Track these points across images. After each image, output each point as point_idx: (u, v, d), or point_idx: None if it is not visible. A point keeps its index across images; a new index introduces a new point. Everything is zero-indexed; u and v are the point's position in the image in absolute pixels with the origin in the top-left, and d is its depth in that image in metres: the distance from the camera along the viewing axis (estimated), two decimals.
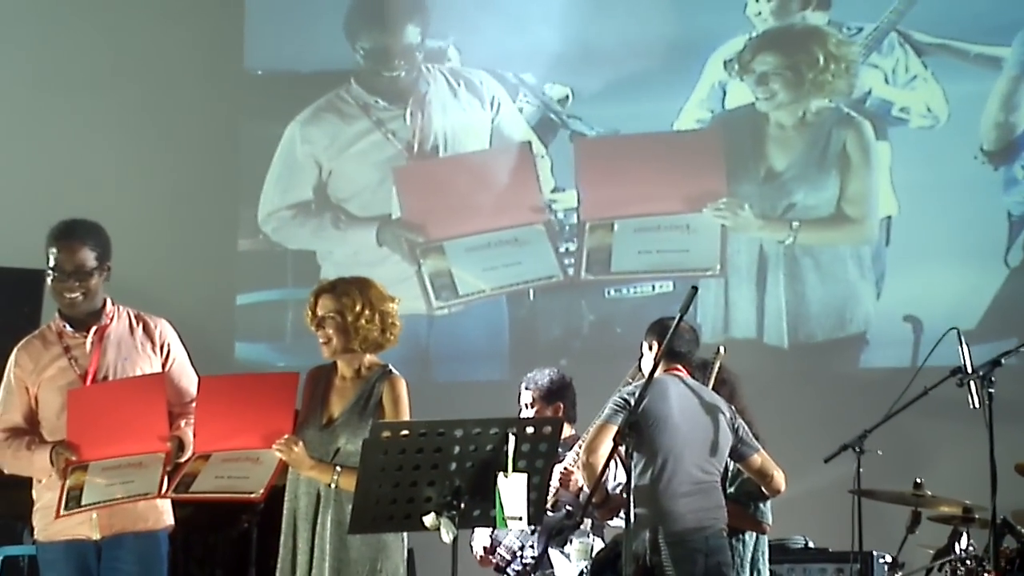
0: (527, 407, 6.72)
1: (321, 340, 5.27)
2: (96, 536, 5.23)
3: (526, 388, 6.76)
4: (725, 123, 9.10)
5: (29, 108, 9.43)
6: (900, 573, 6.50)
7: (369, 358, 5.29)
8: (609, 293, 9.14)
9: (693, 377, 6.13)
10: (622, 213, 9.10)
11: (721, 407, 6.01)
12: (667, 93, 9.12)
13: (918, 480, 6.39)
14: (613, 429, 5.69)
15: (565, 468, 6.46)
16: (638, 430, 5.63)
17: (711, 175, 9.03)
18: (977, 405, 6.01)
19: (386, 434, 4.56)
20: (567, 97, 9.32)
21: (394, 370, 5.29)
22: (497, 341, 9.28)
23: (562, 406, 6.71)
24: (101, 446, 5.12)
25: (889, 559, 6.60)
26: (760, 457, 6.03)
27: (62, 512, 5.12)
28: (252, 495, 5.18)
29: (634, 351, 6.25)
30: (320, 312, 5.25)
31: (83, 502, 5.11)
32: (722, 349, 6.48)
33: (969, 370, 6.09)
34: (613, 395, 5.95)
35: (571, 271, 9.17)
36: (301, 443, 5.11)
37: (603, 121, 9.21)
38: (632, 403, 5.67)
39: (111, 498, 5.13)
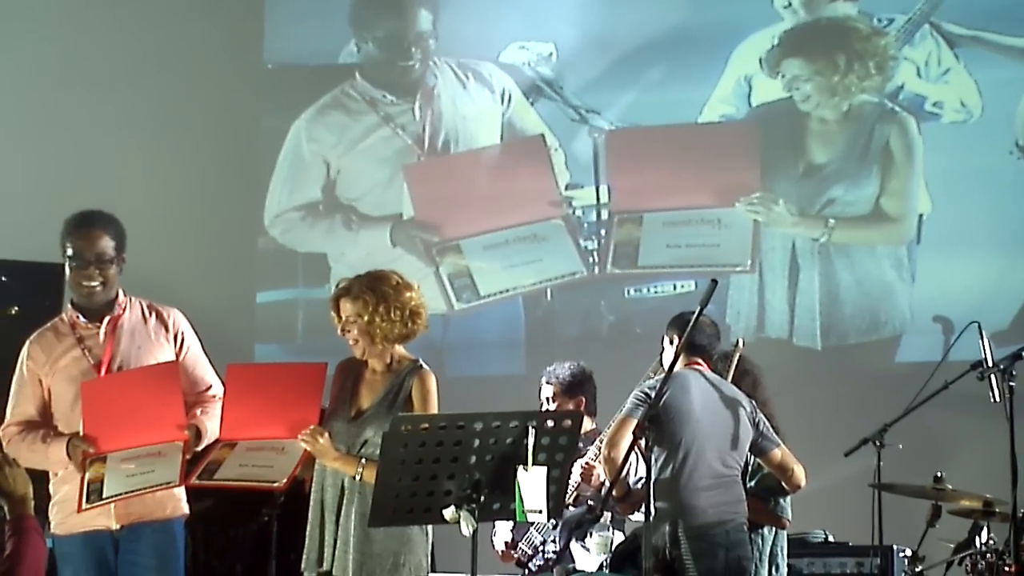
0: (548, 401, 6.71)
1: (351, 343, 5.30)
2: (114, 526, 5.22)
3: (547, 382, 6.75)
4: (763, 116, 8.95)
5: (46, 104, 9.44)
6: (920, 567, 6.48)
7: (400, 351, 5.32)
8: (629, 293, 9.01)
9: (714, 371, 6.12)
10: (651, 206, 8.96)
11: (742, 401, 6.01)
12: (690, 86, 9.01)
13: (939, 474, 6.38)
14: (634, 423, 5.69)
15: (587, 463, 6.45)
16: (658, 424, 5.63)
17: (745, 168, 8.88)
18: (998, 399, 5.99)
19: (406, 427, 4.56)
20: (551, 55, 9.16)
21: (424, 364, 5.31)
22: (513, 335, 9.17)
23: (583, 399, 6.71)
24: (118, 437, 5.11)
25: (909, 553, 6.58)
26: (780, 452, 6.03)
27: (84, 506, 5.11)
28: (275, 484, 5.20)
29: (654, 349, 6.25)
30: (344, 316, 5.29)
31: (104, 494, 5.11)
32: (741, 341, 6.47)
33: (990, 364, 6.08)
34: (634, 390, 5.95)
35: (596, 267, 9.03)
36: (327, 434, 5.12)
37: (624, 116, 9.11)
38: (653, 397, 5.67)
39: (132, 489, 5.13)
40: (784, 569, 6.37)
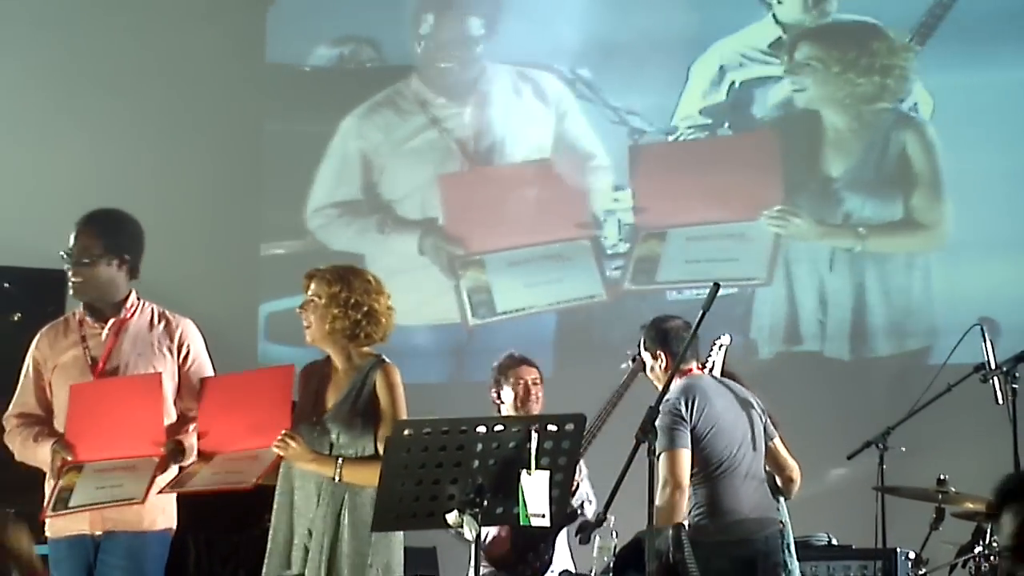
0: (535, 384, 6.71)
1: (304, 324, 5.21)
2: (89, 531, 5.21)
3: (531, 365, 6.76)
4: (778, 126, 8.87)
5: (50, 110, 9.44)
6: (924, 569, 6.48)
7: (363, 349, 5.22)
8: (671, 295, 8.80)
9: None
10: (675, 222, 8.86)
11: (751, 399, 6.00)
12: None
13: (942, 477, 6.38)
14: (688, 453, 5.66)
15: None
16: (696, 442, 5.63)
17: (766, 180, 8.79)
18: (1001, 401, 5.99)
19: (409, 432, 4.56)
20: (590, 56, 9.08)
21: (387, 359, 5.21)
22: (544, 338, 8.99)
23: None
24: (97, 446, 5.12)
25: (913, 556, 6.58)
26: (777, 444, 6.02)
27: (49, 513, 5.12)
28: (242, 485, 5.09)
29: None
30: (307, 295, 5.20)
31: (70, 504, 5.11)
32: (727, 339, 6.40)
33: (993, 366, 6.08)
34: (660, 415, 5.71)
35: (622, 282, 8.91)
36: (299, 438, 5.03)
37: (662, 117, 9.01)
38: (687, 418, 5.66)
39: (96, 502, 5.11)
40: (794, 568, 6.33)
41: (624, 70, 9.06)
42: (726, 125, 8.98)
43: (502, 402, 6.74)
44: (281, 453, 5.02)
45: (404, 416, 5.11)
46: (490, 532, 6.48)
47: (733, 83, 8.94)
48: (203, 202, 9.40)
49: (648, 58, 8.99)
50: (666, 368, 5.80)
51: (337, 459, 5.05)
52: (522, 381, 6.72)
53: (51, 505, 5.11)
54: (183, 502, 5.41)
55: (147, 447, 5.12)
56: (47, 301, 7.79)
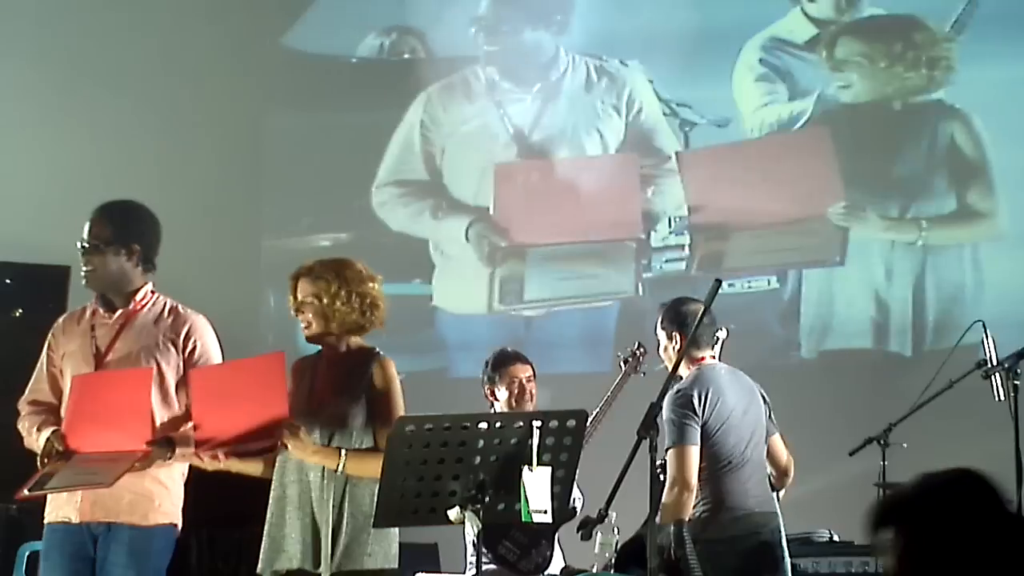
0: (529, 381, 6.71)
1: (302, 325, 5.21)
2: (76, 519, 5.20)
3: (524, 362, 6.74)
4: (827, 122, 8.78)
5: (51, 107, 9.44)
6: None
7: (355, 341, 5.22)
8: (723, 288, 8.73)
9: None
10: (734, 219, 8.78)
11: (755, 388, 6.00)
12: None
13: None
14: (696, 450, 5.66)
15: None
16: (706, 436, 5.63)
17: (825, 175, 8.70)
18: (1002, 397, 5.99)
19: (410, 428, 4.55)
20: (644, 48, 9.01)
21: (382, 352, 5.21)
22: (603, 333, 8.92)
23: None
24: (89, 438, 5.12)
25: None
26: (776, 439, 6.02)
27: (25, 492, 5.13)
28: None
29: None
30: (300, 297, 5.19)
31: (46, 486, 5.13)
32: (725, 331, 6.37)
33: (994, 362, 6.08)
34: (665, 407, 5.61)
35: (683, 266, 8.84)
36: (303, 429, 5.01)
37: (714, 109, 8.92)
38: (698, 413, 5.65)
39: (68, 484, 5.11)
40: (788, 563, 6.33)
41: (676, 62, 9.00)
42: (775, 123, 8.90)
43: (497, 400, 6.72)
44: (290, 445, 5.00)
45: (401, 409, 5.11)
46: None
47: (776, 79, 8.89)
48: (208, 197, 9.38)
49: (697, 51, 8.94)
50: (679, 350, 5.77)
51: (340, 450, 5.04)
52: (516, 380, 6.70)
53: (30, 485, 5.12)
54: (184, 500, 5.41)
55: (133, 442, 5.10)
56: (48, 297, 7.81)
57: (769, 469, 6.00)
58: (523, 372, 6.72)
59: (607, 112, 9.11)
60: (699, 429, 5.68)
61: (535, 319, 9.05)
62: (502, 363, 6.75)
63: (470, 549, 6.29)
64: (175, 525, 5.34)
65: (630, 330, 8.68)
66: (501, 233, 9.13)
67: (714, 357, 6.00)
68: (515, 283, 9.06)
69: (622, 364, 6.97)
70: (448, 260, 9.20)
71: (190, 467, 5.33)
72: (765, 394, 6.00)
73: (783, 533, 5.93)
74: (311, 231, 9.41)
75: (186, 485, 5.39)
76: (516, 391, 6.68)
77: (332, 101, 9.50)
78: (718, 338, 6.07)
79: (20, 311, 8.05)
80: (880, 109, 8.74)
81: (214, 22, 9.51)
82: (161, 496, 5.27)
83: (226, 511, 6.33)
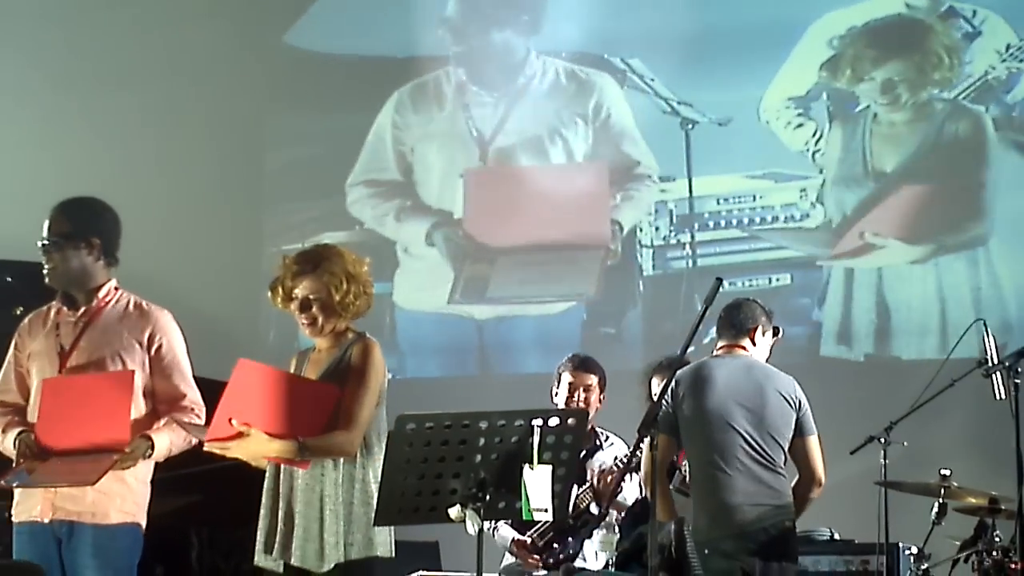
0: (585, 390, 6.69)
1: (305, 322, 5.12)
2: (40, 518, 5.17)
3: (586, 371, 6.72)
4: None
5: (51, 105, 9.45)
6: (926, 564, 6.48)
7: (348, 327, 5.17)
8: (725, 286, 8.70)
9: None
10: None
11: (775, 381, 6.06)
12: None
13: (944, 472, 6.37)
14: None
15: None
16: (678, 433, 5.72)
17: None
18: (1003, 396, 5.99)
19: (411, 426, 4.55)
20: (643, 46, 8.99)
21: (369, 335, 5.17)
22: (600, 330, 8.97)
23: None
24: (64, 439, 5.09)
25: (915, 550, 6.57)
26: (808, 442, 6.08)
27: (3, 483, 5.12)
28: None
29: None
30: (303, 294, 5.09)
31: (27, 481, 5.11)
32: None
33: (994, 361, 6.08)
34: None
35: (686, 262, 8.87)
36: (255, 430, 4.88)
37: (716, 107, 8.89)
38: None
39: (52, 481, 5.10)
40: None
41: (677, 61, 8.98)
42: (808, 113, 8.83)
43: (556, 396, 6.77)
44: (240, 456, 4.94)
45: (370, 391, 5.04)
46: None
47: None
48: (208, 194, 9.38)
49: (706, 49, 8.91)
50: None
51: (296, 439, 4.92)
52: (571, 385, 6.73)
53: (5, 478, 5.12)
54: (184, 498, 5.40)
55: (112, 444, 5.07)
56: (49, 295, 7.79)
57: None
58: (585, 380, 6.73)
59: (572, 119, 9.12)
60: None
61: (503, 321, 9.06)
62: (567, 367, 6.78)
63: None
64: (139, 524, 5.27)
65: (632, 328, 8.75)
66: (469, 240, 9.16)
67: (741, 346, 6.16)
68: (478, 282, 9.08)
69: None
70: (413, 259, 9.19)
71: (198, 467, 5.31)
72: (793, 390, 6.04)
73: (779, 530, 5.93)
74: (311, 231, 9.40)
75: (187, 484, 5.37)
76: (569, 394, 6.70)
77: (332, 101, 9.49)
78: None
79: (20, 309, 8.01)
80: (891, 113, 8.64)
81: (214, 21, 9.51)
82: (123, 495, 5.21)
83: (225, 509, 6.32)
